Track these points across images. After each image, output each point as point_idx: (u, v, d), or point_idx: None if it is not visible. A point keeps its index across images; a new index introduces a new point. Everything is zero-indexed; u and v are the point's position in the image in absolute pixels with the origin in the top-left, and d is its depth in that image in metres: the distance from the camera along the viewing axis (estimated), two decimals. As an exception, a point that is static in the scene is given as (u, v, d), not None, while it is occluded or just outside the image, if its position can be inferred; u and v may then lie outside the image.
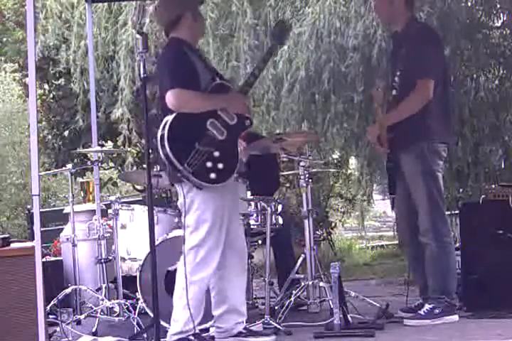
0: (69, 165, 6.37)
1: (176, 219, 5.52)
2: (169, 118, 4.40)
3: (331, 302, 5.18)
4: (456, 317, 5.11)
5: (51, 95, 11.17)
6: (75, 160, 10.56)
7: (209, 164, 4.40)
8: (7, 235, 4.78)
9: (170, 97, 4.38)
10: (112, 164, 11.22)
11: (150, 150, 4.41)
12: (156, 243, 4.70)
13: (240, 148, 6.01)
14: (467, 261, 5.59)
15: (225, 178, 4.49)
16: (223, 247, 4.51)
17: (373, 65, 6.71)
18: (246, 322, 4.74)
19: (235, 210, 4.71)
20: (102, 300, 5.71)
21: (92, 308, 5.69)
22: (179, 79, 4.42)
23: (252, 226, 5.65)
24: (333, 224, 12.73)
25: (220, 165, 4.44)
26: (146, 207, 4.42)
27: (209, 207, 4.47)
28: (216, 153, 4.43)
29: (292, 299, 5.43)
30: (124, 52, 7.48)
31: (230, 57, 7.04)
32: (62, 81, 10.73)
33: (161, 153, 4.33)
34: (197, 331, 4.49)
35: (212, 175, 4.41)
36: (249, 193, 5.74)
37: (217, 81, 4.63)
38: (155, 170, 5.63)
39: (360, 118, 7.02)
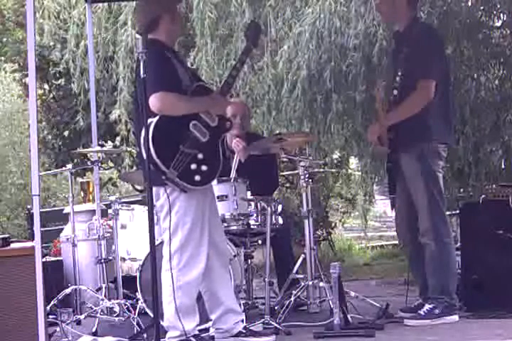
0: (69, 165, 6.38)
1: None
2: (153, 120, 4.35)
3: (331, 303, 5.18)
4: (456, 317, 5.11)
5: (51, 95, 11.18)
6: (75, 160, 10.58)
7: (193, 166, 4.39)
8: (7, 235, 4.78)
9: (154, 101, 4.32)
10: (111, 164, 11.22)
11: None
12: (156, 243, 4.69)
13: (240, 147, 6.02)
14: (467, 261, 5.59)
15: (209, 180, 4.50)
16: (208, 250, 4.50)
17: (374, 65, 6.70)
18: (246, 322, 4.75)
19: (215, 211, 4.72)
20: (102, 300, 5.71)
21: (92, 308, 5.69)
22: (163, 82, 4.38)
23: (252, 226, 5.65)
24: (333, 224, 12.72)
25: (204, 167, 4.43)
26: (146, 207, 4.42)
27: (190, 209, 4.45)
28: (200, 155, 4.42)
29: (292, 299, 5.43)
30: (124, 52, 7.47)
31: (229, 56, 7.04)
32: (62, 81, 10.74)
33: (144, 155, 4.27)
34: (196, 332, 4.49)
35: (197, 177, 4.40)
36: (249, 193, 5.74)
37: (197, 83, 4.63)
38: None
39: (363, 118, 7.01)
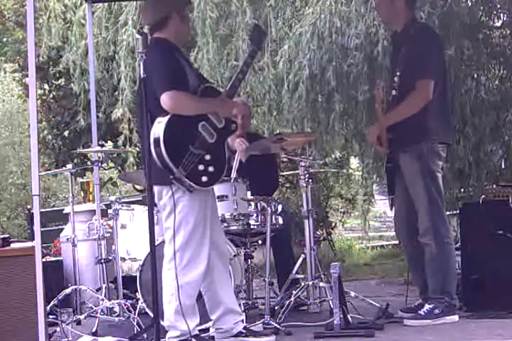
0: (69, 165, 6.38)
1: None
2: (163, 119, 4.35)
3: (331, 303, 5.18)
4: (456, 317, 5.11)
5: (51, 95, 11.18)
6: (75, 160, 10.59)
7: (201, 167, 4.40)
8: (7, 235, 4.78)
9: (166, 99, 4.33)
10: (112, 164, 11.22)
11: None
12: (156, 243, 4.70)
13: (243, 147, 6.01)
14: (467, 261, 5.58)
15: (215, 181, 4.51)
16: (209, 250, 4.49)
17: (376, 64, 6.70)
18: (246, 322, 4.74)
19: (215, 212, 4.73)
20: (102, 300, 5.71)
21: (92, 308, 5.69)
22: (173, 80, 4.39)
23: (252, 226, 5.65)
24: (333, 224, 12.74)
25: (211, 168, 4.44)
26: (146, 207, 4.42)
27: (193, 209, 4.44)
28: (207, 156, 4.43)
29: (292, 299, 5.43)
30: (125, 52, 7.47)
31: (229, 56, 7.04)
32: (62, 81, 10.75)
33: (154, 154, 4.26)
34: (196, 332, 4.49)
35: (204, 178, 4.41)
36: (249, 193, 5.74)
37: (205, 84, 4.64)
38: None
39: (364, 118, 7.01)
